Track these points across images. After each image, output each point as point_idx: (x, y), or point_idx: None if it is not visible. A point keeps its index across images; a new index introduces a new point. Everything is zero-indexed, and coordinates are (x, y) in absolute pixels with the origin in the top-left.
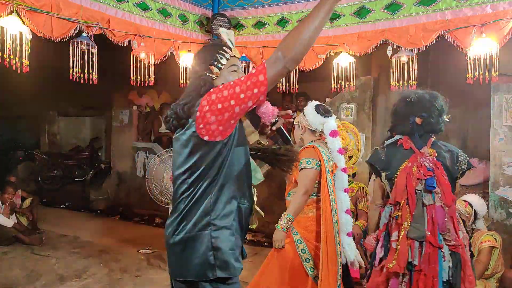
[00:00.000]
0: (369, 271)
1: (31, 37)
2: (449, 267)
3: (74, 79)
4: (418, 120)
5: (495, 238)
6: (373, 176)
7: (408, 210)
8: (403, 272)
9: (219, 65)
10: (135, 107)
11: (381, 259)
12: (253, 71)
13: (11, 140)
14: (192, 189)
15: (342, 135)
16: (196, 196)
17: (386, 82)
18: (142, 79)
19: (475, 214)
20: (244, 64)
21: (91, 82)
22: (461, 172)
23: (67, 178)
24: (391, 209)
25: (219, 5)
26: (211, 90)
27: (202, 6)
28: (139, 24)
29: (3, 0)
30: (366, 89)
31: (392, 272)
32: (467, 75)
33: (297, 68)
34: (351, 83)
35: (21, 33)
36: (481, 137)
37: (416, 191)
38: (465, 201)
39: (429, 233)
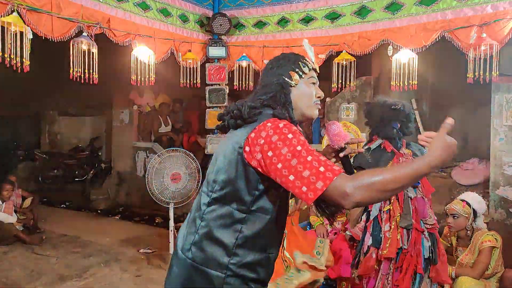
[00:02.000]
0: (356, 258)
1: (31, 37)
2: (429, 246)
3: (74, 79)
4: (398, 124)
5: (495, 238)
6: None
7: (397, 203)
8: (393, 256)
9: (301, 73)
10: (135, 107)
11: (368, 247)
12: (322, 168)
13: (11, 140)
14: (215, 208)
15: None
16: (221, 223)
17: (386, 82)
18: (143, 78)
19: (474, 212)
20: (245, 63)
21: (91, 82)
22: None
23: (67, 178)
24: (382, 204)
25: (220, 5)
26: (281, 123)
27: (202, 6)
28: (139, 23)
29: None
30: (367, 88)
31: (382, 257)
32: (468, 75)
33: None
34: (351, 82)
35: (21, 33)
36: (481, 137)
37: None
38: (462, 200)
39: (414, 221)
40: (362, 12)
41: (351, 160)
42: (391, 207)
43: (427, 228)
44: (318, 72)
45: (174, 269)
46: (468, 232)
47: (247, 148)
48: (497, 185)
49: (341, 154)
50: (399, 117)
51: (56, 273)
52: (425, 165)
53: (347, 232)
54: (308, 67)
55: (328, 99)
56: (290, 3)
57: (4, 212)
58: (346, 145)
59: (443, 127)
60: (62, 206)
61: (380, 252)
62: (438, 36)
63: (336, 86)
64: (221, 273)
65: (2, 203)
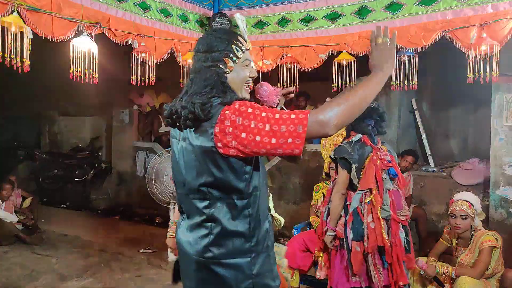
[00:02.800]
0: (348, 255)
1: (32, 37)
2: (404, 237)
3: (74, 79)
4: (372, 121)
5: (495, 238)
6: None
7: (378, 194)
8: (383, 244)
9: (235, 58)
10: (135, 107)
11: (350, 240)
12: (293, 115)
13: (11, 140)
14: (219, 207)
15: (343, 134)
16: (230, 217)
17: (386, 81)
18: (143, 78)
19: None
20: None
21: (91, 82)
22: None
23: (67, 178)
24: (361, 195)
25: (220, 5)
26: (236, 104)
27: (202, 6)
28: (139, 23)
29: None
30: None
31: (371, 249)
32: (468, 75)
33: (297, 68)
34: (351, 82)
35: (21, 33)
36: (482, 136)
37: (382, 178)
38: (466, 201)
39: (392, 212)
40: (362, 12)
41: (332, 153)
42: (373, 199)
43: (401, 220)
44: (251, 48)
45: (196, 275)
46: (473, 232)
47: (219, 144)
48: (497, 185)
49: (278, 107)
50: (373, 115)
51: (56, 273)
52: (384, 74)
53: (329, 234)
54: (241, 50)
55: (328, 99)
56: (290, 3)
57: (4, 211)
58: (279, 99)
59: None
60: (62, 206)
61: (365, 244)
62: (438, 36)
63: (336, 86)
64: (247, 257)
65: (2, 202)
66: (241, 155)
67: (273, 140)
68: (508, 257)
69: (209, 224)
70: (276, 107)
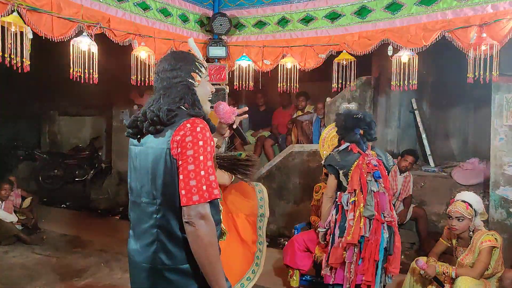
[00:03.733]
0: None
1: (32, 37)
2: (386, 237)
3: (74, 79)
4: (361, 132)
5: (495, 238)
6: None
7: (362, 195)
8: (356, 243)
9: (200, 73)
10: (135, 107)
11: (337, 237)
12: (204, 186)
13: (11, 140)
14: (164, 214)
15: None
16: (175, 224)
17: (386, 81)
18: (143, 78)
19: (475, 212)
20: (245, 63)
21: (91, 82)
22: (391, 167)
23: (67, 178)
24: (348, 196)
25: (220, 5)
26: (199, 127)
27: (202, 6)
28: (139, 23)
29: None
30: (367, 88)
31: (348, 244)
32: (468, 75)
33: (297, 68)
34: (351, 82)
35: (21, 33)
36: (482, 136)
37: (367, 181)
38: (464, 202)
39: (376, 212)
40: (362, 12)
41: (323, 161)
42: (356, 199)
43: (386, 221)
44: (207, 66)
45: (147, 282)
46: (471, 233)
47: (174, 151)
48: (497, 185)
49: (234, 126)
50: (361, 124)
51: (56, 273)
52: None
53: (320, 230)
54: (203, 66)
55: (328, 99)
56: (290, 3)
57: (4, 211)
58: (235, 118)
59: None
60: (62, 206)
61: (343, 239)
62: (438, 36)
63: (336, 86)
64: (189, 263)
65: (1, 202)
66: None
67: (181, 177)
68: (508, 257)
69: (155, 230)
70: (232, 124)
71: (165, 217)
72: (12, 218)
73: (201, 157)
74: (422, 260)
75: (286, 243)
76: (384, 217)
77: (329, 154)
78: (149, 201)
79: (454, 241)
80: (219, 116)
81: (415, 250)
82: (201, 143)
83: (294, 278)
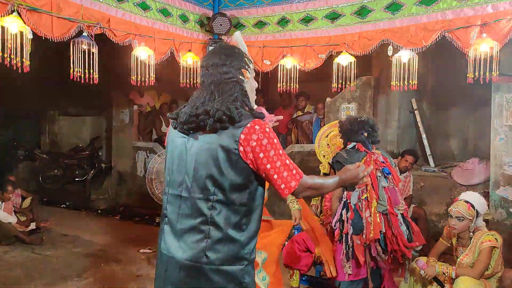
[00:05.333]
0: (345, 251)
1: (31, 37)
2: (405, 230)
3: (74, 79)
4: (365, 134)
5: (495, 238)
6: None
7: (373, 191)
8: (379, 237)
9: (249, 69)
10: (135, 107)
11: (350, 235)
12: (294, 170)
13: (11, 140)
14: (221, 210)
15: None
16: (229, 222)
17: (386, 81)
18: (143, 78)
19: (477, 213)
20: None
21: (91, 82)
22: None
23: (67, 178)
24: (359, 192)
25: (220, 5)
26: (267, 127)
27: (202, 6)
28: (139, 23)
29: None
30: (367, 88)
31: (370, 240)
32: (468, 75)
33: (297, 68)
34: (351, 82)
35: (21, 33)
36: (482, 136)
37: (376, 177)
38: (466, 202)
39: (389, 207)
40: (362, 12)
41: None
42: (368, 195)
43: (399, 212)
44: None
45: (186, 281)
46: (471, 233)
47: (241, 148)
48: (497, 185)
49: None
50: (365, 127)
51: (56, 273)
52: (337, 181)
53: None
54: (251, 61)
55: (328, 99)
56: (290, 3)
57: (4, 212)
58: (274, 124)
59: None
60: (62, 206)
61: (364, 236)
62: (438, 36)
63: (336, 86)
64: (240, 265)
65: (1, 203)
66: (251, 167)
67: (275, 176)
68: (508, 257)
69: (207, 227)
70: None
71: (220, 215)
72: (12, 218)
73: (280, 151)
74: (422, 260)
75: (286, 243)
76: (398, 210)
77: (337, 153)
78: (202, 196)
79: (454, 241)
80: None
81: (415, 250)
82: (275, 140)
83: (294, 278)
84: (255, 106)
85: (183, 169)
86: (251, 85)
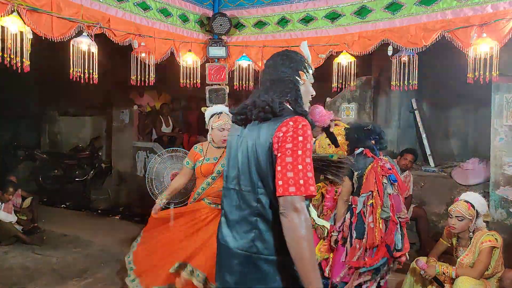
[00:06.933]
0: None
1: (31, 37)
2: (400, 238)
3: (74, 79)
4: (373, 142)
5: (495, 238)
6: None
7: (378, 197)
8: (380, 243)
9: (307, 74)
10: (135, 107)
11: (354, 238)
12: (301, 181)
13: (11, 140)
14: (266, 203)
15: (342, 135)
16: (275, 214)
17: (386, 81)
18: (143, 78)
19: (477, 213)
20: (245, 63)
21: (91, 82)
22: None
23: (67, 178)
24: (365, 198)
25: (220, 5)
26: (301, 124)
27: (202, 6)
28: (139, 23)
29: None
30: (367, 88)
31: (370, 246)
32: (468, 75)
33: None
34: (351, 82)
35: (21, 33)
36: (482, 136)
37: (382, 183)
38: (466, 202)
39: (391, 214)
40: (362, 12)
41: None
42: (373, 201)
43: (400, 222)
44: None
45: (238, 268)
46: (470, 233)
47: (275, 146)
48: (497, 185)
49: (331, 129)
50: (372, 135)
51: (56, 273)
52: (310, 282)
53: (333, 234)
54: (311, 68)
55: (328, 99)
56: (290, 3)
57: (4, 211)
58: (330, 122)
59: None
60: (62, 206)
61: (364, 241)
62: (438, 36)
63: (336, 86)
64: (287, 255)
65: (1, 203)
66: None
67: (278, 168)
68: (508, 257)
69: (254, 218)
70: (328, 128)
71: (265, 207)
72: (11, 218)
73: (300, 152)
74: (422, 260)
75: None
76: (399, 217)
77: (346, 157)
78: (250, 189)
79: (454, 241)
80: (314, 119)
81: (415, 250)
82: (300, 138)
83: None
84: (307, 110)
85: (236, 163)
86: (307, 88)
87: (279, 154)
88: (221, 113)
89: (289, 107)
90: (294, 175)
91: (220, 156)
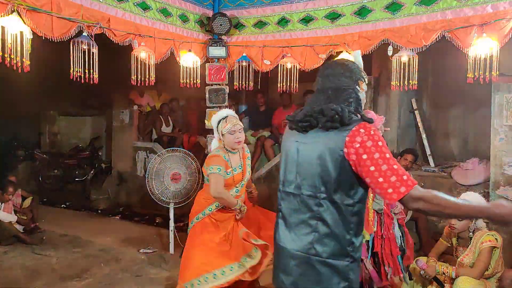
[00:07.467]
0: None
1: (31, 37)
2: (400, 236)
3: (74, 79)
4: None
5: (495, 238)
6: None
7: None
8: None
9: (365, 82)
10: (135, 107)
11: None
12: (405, 176)
13: (11, 140)
14: (327, 208)
15: None
16: (335, 219)
17: (386, 81)
18: (143, 78)
19: None
20: (245, 64)
21: (91, 82)
22: None
23: (67, 178)
24: None
25: (220, 5)
26: (372, 130)
27: (202, 6)
28: (139, 23)
29: None
30: (367, 88)
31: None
32: (468, 75)
33: (297, 68)
34: None
35: (21, 33)
36: (482, 136)
37: None
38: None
39: (385, 207)
40: (362, 12)
41: None
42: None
43: (397, 218)
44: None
45: (295, 269)
46: (470, 233)
47: (345, 150)
48: (497, 185)
49: (381, 133)
50: None
51: (56, 273)
52: (486, 212)
53: None
54: (366, 76)
55: None
56: (290, 3)
57: (4, 211)
58: (379, 128)
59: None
60: (62, 206)
61: None
62: (438, 36)
63: None
64: (346, 261)
65: (1, 203)
66: (354, 170)
67: (380, 179)
68: (508, 257)
69: (314, 222)
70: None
71: (326, 211)
72: (11, 218)
73: (387, 155)
74: (422, 260)
75: None
76: (395, 213)
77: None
78: (311, 194)
79: (454, 241)
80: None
81: (415, 250)
82: (380, 143)
83: None
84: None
85: (294, 168)
86: (363, 96)
87: (372, 168)
88: (227, 116)
89: (356, 117)
90: (396, 176)
91: (242, 163)
